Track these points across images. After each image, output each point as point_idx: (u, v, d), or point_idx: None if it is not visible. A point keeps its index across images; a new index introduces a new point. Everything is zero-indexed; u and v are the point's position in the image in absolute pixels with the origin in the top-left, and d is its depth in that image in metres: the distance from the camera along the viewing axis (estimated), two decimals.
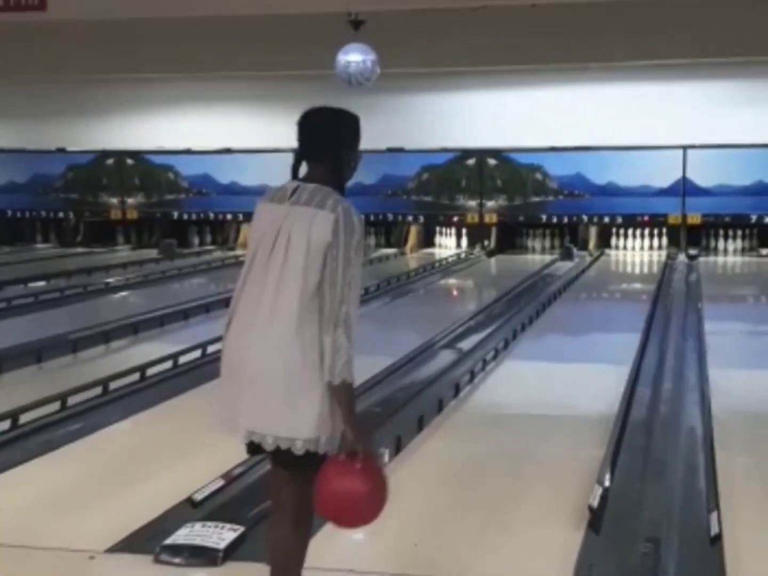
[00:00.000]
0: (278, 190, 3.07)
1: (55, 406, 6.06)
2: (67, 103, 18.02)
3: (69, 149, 18.91)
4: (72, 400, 6.16)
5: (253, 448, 3.04)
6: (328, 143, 3.07)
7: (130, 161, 18.91)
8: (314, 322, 2.88)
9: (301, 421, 2.87)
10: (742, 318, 10.70)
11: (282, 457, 2.96)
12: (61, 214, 19.10)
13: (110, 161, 18.91)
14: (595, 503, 4.18)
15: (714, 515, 4.10)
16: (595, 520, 4.10)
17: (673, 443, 5.48)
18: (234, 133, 17.91)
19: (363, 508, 2.94)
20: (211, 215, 18.61)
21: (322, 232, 2.88)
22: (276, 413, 2.88)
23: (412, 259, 16.71)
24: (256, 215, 3.09)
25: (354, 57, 12.38)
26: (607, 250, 17.16)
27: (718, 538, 3.91)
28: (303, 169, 3.13)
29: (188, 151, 18.43)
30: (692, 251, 16.47)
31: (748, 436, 5.66)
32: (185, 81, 17.06)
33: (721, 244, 17.11)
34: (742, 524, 4.13)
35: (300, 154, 3.11)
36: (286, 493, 3.03)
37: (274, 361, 2.87)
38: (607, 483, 4.43)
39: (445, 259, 16.11)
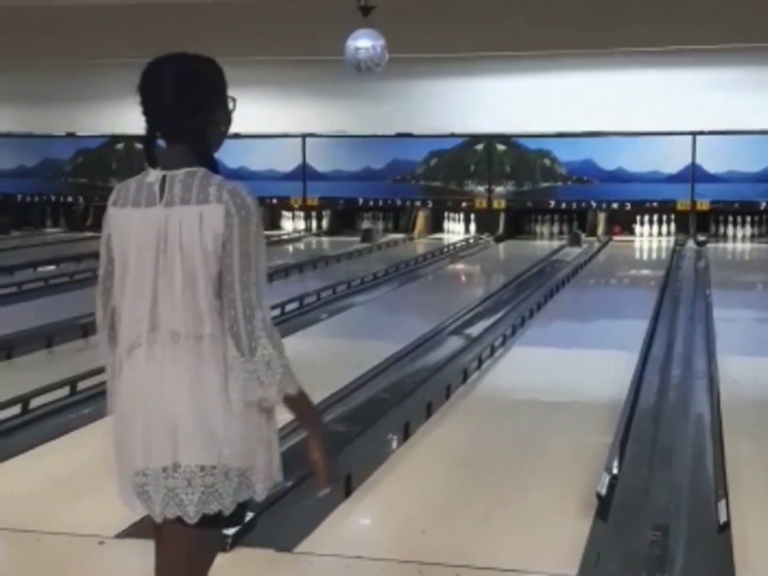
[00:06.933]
0: (138, 189, 2.37)
1: (66, 390, 6.08)
2: (77, 88, 18.00)
3: (79, 134, 18.91)
4: (82, 385, 6.18)
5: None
6: (183, 113, 2.36)
7: (138, 146, 18.87)
8: (219, 339, 2.31)
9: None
10: (751, 305, 10.67)
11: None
12: (70, 199, 19.12)
13: (120, 146, 18.90)
14: (603, 491, 4.18)
15: (722, 503, 4.10)
16: (603, 507, 4.11)
17: (682, 430, 5.49)
18: (243, 117, 17.79)
19: None
20: None
21: (212, 232, 2.28)
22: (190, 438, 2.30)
23: (420, 244, 16.70)
24: (114, 223, 2.41)
25: (363, 43, 12.38)
26: (615, 237, 17.14)
27: (727, 526, 3.92)
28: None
29: None
30: (701, 237, 16.43)
31: (756, 423, 5.65)
32: None
33: (730, 230, 17.07)
34: (750, 512, 4.13)
35: (150, 130, 2.40)
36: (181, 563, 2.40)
37: (182, 390, 2.31)
38: (615, 470, 4.43)
39: (454, 244, 16.11)
